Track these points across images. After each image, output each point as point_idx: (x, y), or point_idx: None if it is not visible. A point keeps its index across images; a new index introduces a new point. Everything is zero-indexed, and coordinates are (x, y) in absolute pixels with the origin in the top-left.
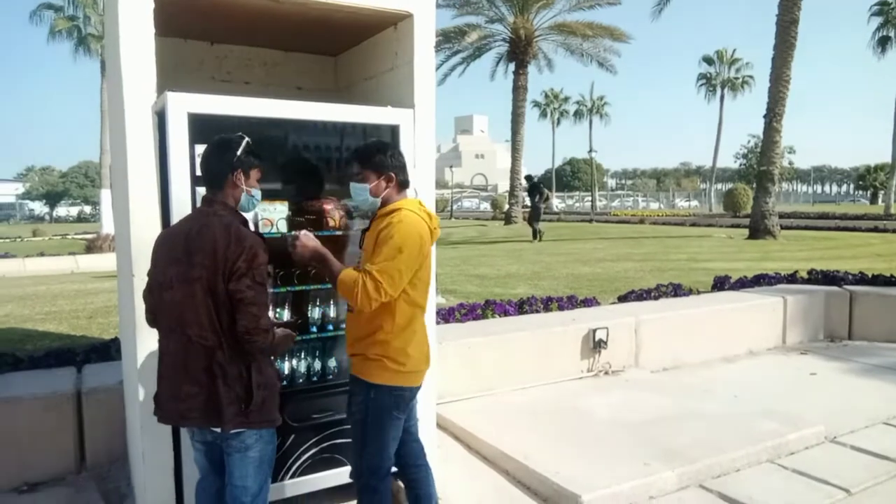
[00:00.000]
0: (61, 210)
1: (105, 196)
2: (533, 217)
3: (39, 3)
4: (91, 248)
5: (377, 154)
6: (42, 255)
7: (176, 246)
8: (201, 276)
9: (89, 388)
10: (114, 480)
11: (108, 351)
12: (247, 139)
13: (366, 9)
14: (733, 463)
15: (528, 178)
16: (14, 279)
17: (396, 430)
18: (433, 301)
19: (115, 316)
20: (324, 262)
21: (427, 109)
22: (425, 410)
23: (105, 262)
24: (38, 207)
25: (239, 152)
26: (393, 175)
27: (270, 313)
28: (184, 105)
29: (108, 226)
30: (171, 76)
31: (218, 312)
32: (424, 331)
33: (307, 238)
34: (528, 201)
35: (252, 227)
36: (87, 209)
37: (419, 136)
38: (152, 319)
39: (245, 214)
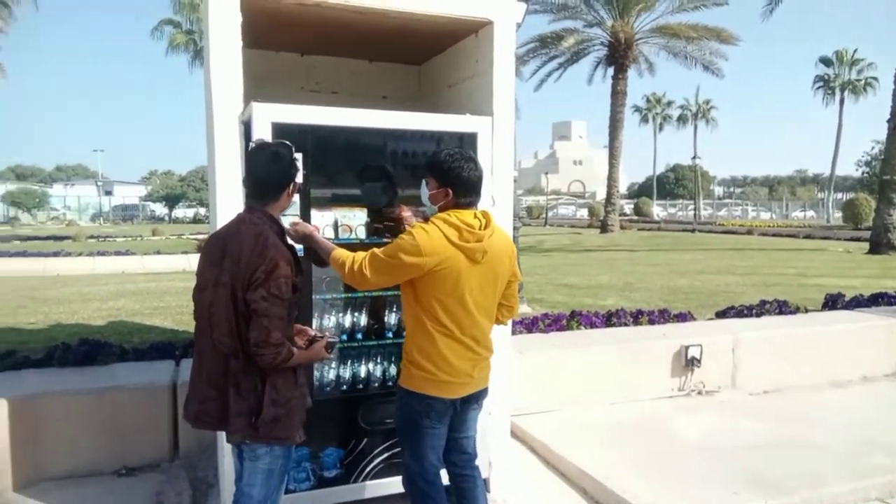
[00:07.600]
0: (179, 212)
1: None
2: None
3: (160, 20)
4: (201, 247)
5: (442, 164)
6: (158, 253)
7: (214, 249)
8: (227, 282)
9: (184, 381)
10: (203, 469)
11: None
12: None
13: (442, 17)
14: (835, 499)
15: None
16: (131, 275)
17: (433, 439)
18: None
19: None
20: (314, 242)
21: (506, 117)
22: (498, 421)
23: None
24: (159, 209)
25: (295, 164)
26: (450, 191)
27: (346, 318)
28: (268, 115)
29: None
30: (263, 86)
31: (237, 320)
32: (462, 345)
33: (303, 226)
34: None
35: (331, 233)
36: (202, 211)
37: (497, 143)
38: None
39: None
